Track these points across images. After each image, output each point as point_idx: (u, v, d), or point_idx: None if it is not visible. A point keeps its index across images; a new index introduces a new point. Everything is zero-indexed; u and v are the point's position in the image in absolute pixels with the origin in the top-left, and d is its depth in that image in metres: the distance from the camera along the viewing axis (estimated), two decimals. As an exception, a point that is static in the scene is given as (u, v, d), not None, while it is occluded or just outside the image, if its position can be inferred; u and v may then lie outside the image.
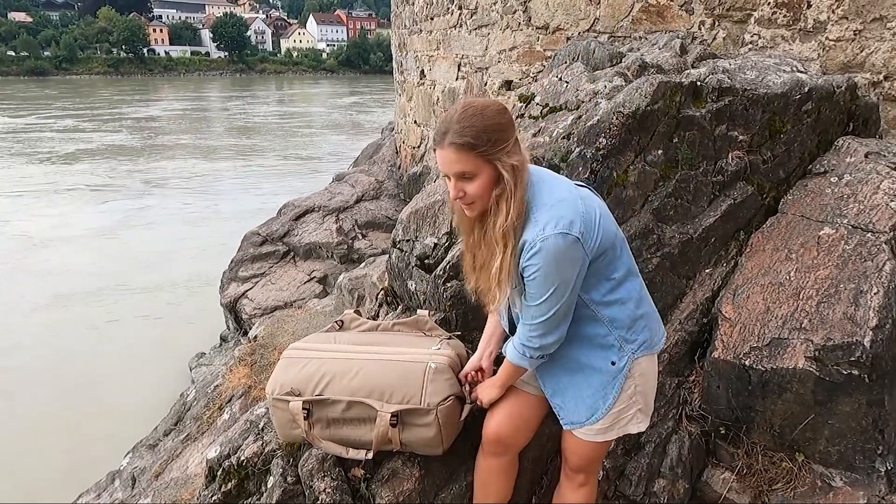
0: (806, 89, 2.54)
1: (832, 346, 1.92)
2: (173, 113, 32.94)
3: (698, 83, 2.46)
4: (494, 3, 4.82)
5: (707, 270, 2.43)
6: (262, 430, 1.91)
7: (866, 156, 2.52)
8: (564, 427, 1.60)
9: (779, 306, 2.12)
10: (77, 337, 6.93)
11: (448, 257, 2.04)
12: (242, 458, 1.82)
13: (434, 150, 1.36)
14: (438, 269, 2.04)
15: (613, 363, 1.48)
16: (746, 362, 2.04)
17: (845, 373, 1.90)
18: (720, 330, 2.18)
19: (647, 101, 2.23)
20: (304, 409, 1.54)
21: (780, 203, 2.54)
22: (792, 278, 2.18)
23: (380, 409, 1.53)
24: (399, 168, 7.86)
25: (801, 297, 2.10)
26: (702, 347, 2.32)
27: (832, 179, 2.48)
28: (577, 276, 1.37)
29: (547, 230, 1.31)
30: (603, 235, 1.39)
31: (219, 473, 1.88)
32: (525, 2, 4.51)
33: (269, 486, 1.77)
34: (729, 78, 2.51)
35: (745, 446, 2.14)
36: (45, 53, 75.96)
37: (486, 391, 1.64)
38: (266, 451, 1.83)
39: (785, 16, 3.62)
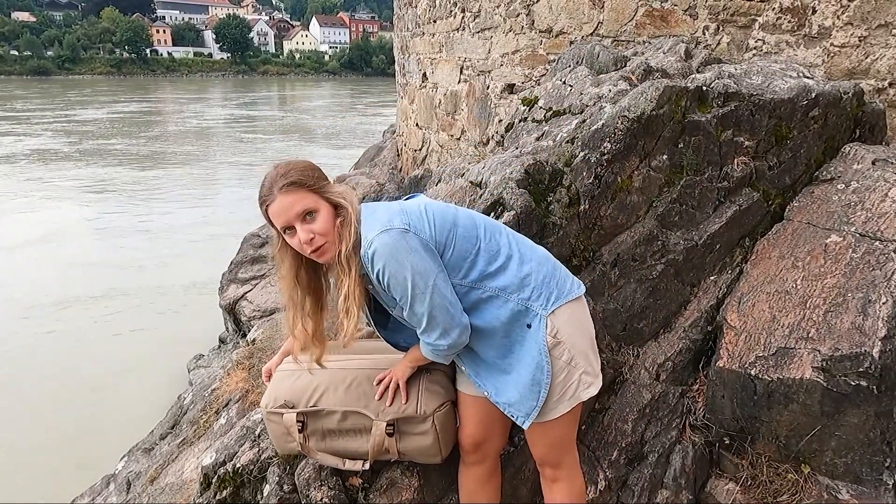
0: (813, 95, 2.51)
1: (840, 356, 1.89)
2: (118, 115, 30.72)
3: (704, 88, 2.43)
4: (497, 7, 4.80)
5: (712, 278, 2.40)
6: (259, 436, 1.87)
7: (874, 163, 2.48)
8: (525, 425, 1.52)
9: (785, 315, 2.08)
10: (75, 339, 6.89)
11: (449, 262, 2.01)
12: (238, 465, 1.79)
13: (266, 211, 1.40)
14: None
15: (529, 325, 1.45)
16: (752, 372, 2.00)
17: (853, 384, 1.87)
18: (725, 338, 2.15)
19: (652, 105, 2.20)
20: (298, 421, 1.51)
21: (786, 210, 2.51)
22: (798, 286, 2.14)
23: (375, 419, 1.49)
24: (400, 171, 7.83)
25: (807, 305, 2.07)
26: (706, 356, 2.29)
27: (839, 186, 2.45)
28: (429, 263, 1.38)
29: (370, 236, 1.38)
30: (437, 218, 1.43)
31: (214, 481, 1.84)
32: (528, 5, 4.49)
33: (265, 494, 1.74)
34: (735, 83, 2.48)
35: (749, 457, 2.10)
36: (48, 53, 76.14)
37: (400, 370, 1.59)
38: (262, 458, 1.79)
39: (790, 21, 3.61)
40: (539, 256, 1.53)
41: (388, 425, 1.50)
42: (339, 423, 1.52)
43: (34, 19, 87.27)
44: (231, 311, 6.14)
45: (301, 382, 1.55)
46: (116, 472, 3.06)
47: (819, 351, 1.93)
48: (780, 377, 1.94)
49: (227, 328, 6.33)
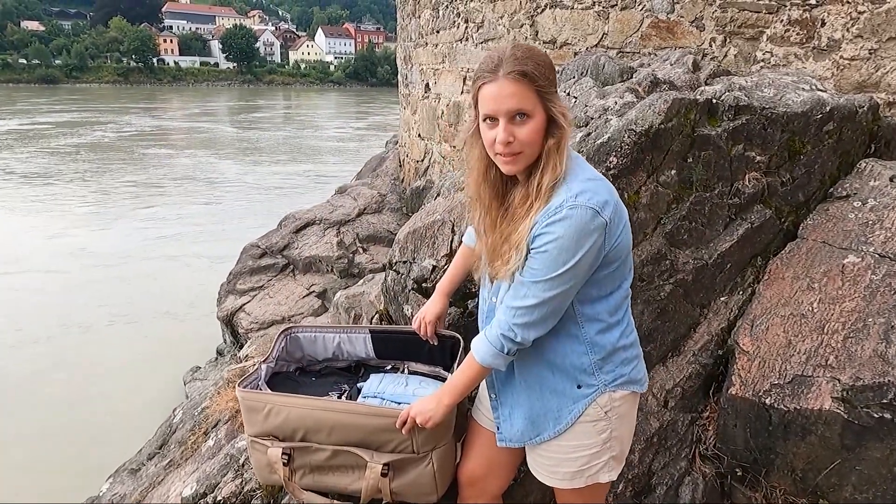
0: (827, 109, 2.42)
1: (861, 386, 1.77)
2: (19, 128, 27.01)
3: (714, 101, 2.34)
4: (501, 18, 4.75)
5: (722, 298, 2.29)
6: (243, 466, 1.77)
7: (891, 179, 2.38)
8: (498, 444, 1.42)
9: (801, 340, 1.97)
10: (69, 352, 6.78)
11: (447, 282, 1.91)
12: (220, 498, 1.68)
13: (480, 87, 1.20)
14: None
15: (579, 386, 1.31)
16: (767, 401, 1.89)
17: (876, 416, 1.75)
18: (737, 364, 2.04)
19: (660, 118, 2.11)
20: (284, 454, 1.39)
21: (800, 228, 2.40)
22: (815, 310, 2.03)
23: (370, 460, 1.38)
24: (402, 182, 7.76)
25: (825, 330, 1.95)
26: (716, 381, 2.18)
27: (855, 204, 2.34)
28: (588, 267, 1.20)
29: (579, 199, 1.16)
30: (623, 240, 1.25)
31: (194, 513, 1.74)
32: (532, 16, 4.44)
33: (247, 529, 1.63)
34: (746, 96, 2.39)
35: (763, 490, 1.98)
36: (57, 62, 76.82)
37: (428, 410, 1.34)
38: (245, 490, 1.69)
39: (798, 34, 3.55)
40: (636, 338, 1.40)
41: (383, 466, 1.38)
42: (329, 459, 1.41)
43: (43, 28, 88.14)
44: (228, 322, 6.05)
45: (278, 420, 1.42)
46: (101, 493, 2.95)
47: (839, 380, 1.81)
48: (798, 407, 1.83)
49: (224, 340, 6.23)
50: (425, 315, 1.63)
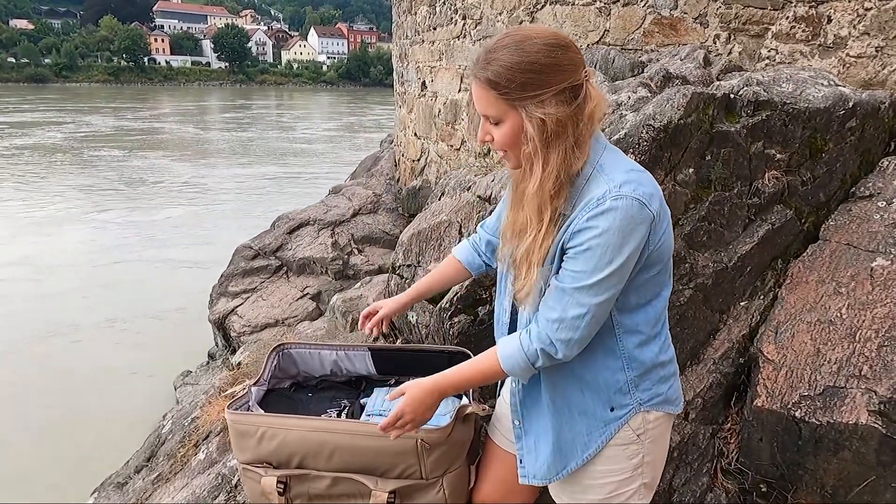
0: (850, 105, 2.31)
1: (900, 398, 1.66)
2: None
3: (731, 96, 2.23)
4: (500, 14, 4.64)
5: (742, 303, 2.18)
6: (235, 487, 1.63)
7: (916, 179, 2.28)
8: (521, 481, 1.28)
9: (831, 349, 1.86)
10: (54, 359, 6.59)
11: (455, 287, 1.78)
12: (210, 523, 1.55)
13: None
14: (444, 300, 1.78)
15: (612, 409, 1.18)
16: (797, 413, 1.77)
17: (916, 431, 1.64)
18: (762, 374, 1.92)
19: (679, 113, 1.99)
20: (280, 482, 1.26)
21: (822, 229, 2.30)
22: (844, 316, 1.92)
23: (374, 488, 1.24)
24: (398, 181, 7.63)
25: (857, 338, 1.84)
26: (738, 391, 2.06)
27: (880, 204, 2.24)
28: (630, 268, 1.07)
29: (624, 189, 1.02)
30: (666, 240, 1.11)
31: (182, 539, 1.60)
32: (532, 12, 4.33)
33: (240, 558, 1.49)
34: (765, 91, 2.28)
35: (790, 507, 1.87)
36: (46, 61, 76.06)
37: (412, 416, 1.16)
38: (238, 515, 1.55)
39: (804, 31, 3.46)
40: (674, 353, 1.27)
41: (389, 494, 1.25)
42: (329, 488, 1.27)
43: (32, 27, 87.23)
44: (220, 325, 5.89)
45: (273, 445, 1.28)
46: (85, 509, 2.81)
47: (875, 392, 1.70)
48: (831, 421, 1.71)
49: (216, 343, 6.07)
50: (381, 309, 1.46)
